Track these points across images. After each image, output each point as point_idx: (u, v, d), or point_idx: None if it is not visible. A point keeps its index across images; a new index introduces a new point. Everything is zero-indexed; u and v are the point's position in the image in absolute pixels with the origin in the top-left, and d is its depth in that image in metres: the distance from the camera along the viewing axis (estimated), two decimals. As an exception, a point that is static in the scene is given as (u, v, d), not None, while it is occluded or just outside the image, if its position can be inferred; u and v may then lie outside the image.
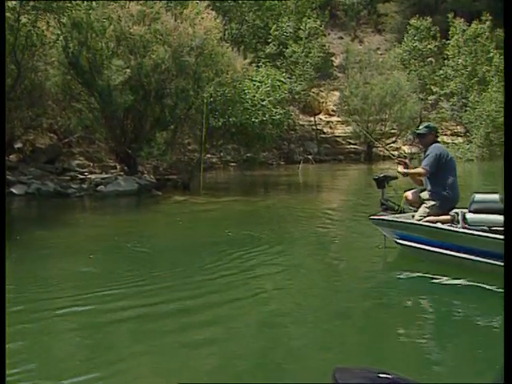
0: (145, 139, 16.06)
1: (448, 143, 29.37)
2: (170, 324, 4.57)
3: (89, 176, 16.09)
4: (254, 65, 19.30)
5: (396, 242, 6.88)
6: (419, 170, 6.67)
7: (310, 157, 27.77)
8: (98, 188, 14.89)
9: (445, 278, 5.74)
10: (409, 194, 6.94)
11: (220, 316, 4.85)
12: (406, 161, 7.18)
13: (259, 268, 6.48)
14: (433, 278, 5.77)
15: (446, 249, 6.12)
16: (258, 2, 28.71)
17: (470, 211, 6.12)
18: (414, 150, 30.69)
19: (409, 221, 6.59)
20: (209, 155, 19.82)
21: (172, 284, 5.73)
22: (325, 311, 5.08)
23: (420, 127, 7.00)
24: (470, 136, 28.70)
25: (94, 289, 5.52)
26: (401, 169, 6.76)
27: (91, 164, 17.78)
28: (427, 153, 6.65)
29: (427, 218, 6.47)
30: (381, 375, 1.70)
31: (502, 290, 5.18)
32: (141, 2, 15.88)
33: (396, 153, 30.35)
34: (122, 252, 7.64)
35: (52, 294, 5.45)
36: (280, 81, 18.48)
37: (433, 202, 6.57)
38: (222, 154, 21.07)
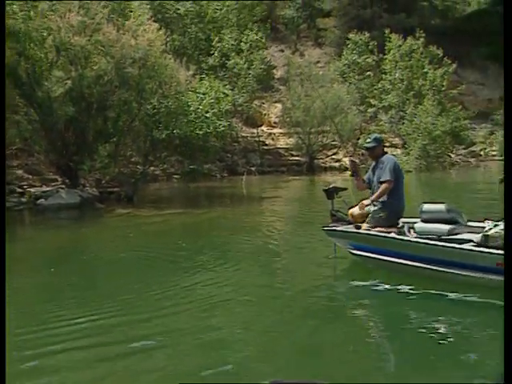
0: (87, 152, 15.88)
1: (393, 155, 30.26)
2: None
3: (28, 189, 15.73)
4: (197, 76, 19.40)
5: (351, 253, 7.10)
6: (384, 187, 6.77)
7: (253, 168, 27.99)
8: (39, 201, 14.60)
9: (395, 285, 6.01)
10: (354, 211, 7.15)
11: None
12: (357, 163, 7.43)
13: (205, 283, 6.50)
14: (385, 287, 6.04)
15: (400, 258, 6.38)
16: (199, 14, 28.90)
17: (421, 221, 6.45)
18: (356, 160, 31.47)
19: (364, 231, 6.79)
20: (152, 167, 19.73)
21: (123, 320, 5.29)
22: (270, 322, 5.21)
23: (368, 140, 7.16)
24: (408, 148, 29.64)
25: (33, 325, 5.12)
26: (366, 201, 6.89)
27: (31, 177, 17.37)
28: (383, 164, 6.85)
29: (376, 229, 6.72)
30: None
31: (454, 296, 5.52)
32: (81, 12, 15.72)
33: (337, 164, 31.06)
34: (77, 268, 7.55)
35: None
36: (223, 93, 18.64)
37: (381, 213, 6.82)
38: (165, 166, 20.97)
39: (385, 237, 6.55)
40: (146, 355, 4.36)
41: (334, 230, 7.15)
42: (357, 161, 7.49)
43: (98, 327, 4.98)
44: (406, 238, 6.44)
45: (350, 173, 7.34)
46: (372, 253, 6.72)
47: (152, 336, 4.69)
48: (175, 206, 15.83)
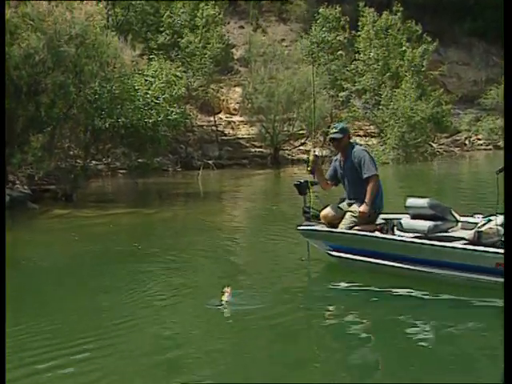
0: (16, 143, 15.55)
1: (361, 145, 30.53)
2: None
3: None
4: (145, 57, 19.24)
5: (329, 255, 7.13)
6: (374, 183, 6.80)
7: (210, 162, 27.91)
8: (-40, 202, 14.21)
9: (375, 288, 6.14)
10: (328, 213, 7.17)
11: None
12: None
13: (163, 297, 6.45)
14: (365, 289, 6.18)
15: (386, 259, 6.45)
16: (146, -16, 28.62)
17: (412, 217, 6.54)
18: (326, 152, 31.64)
19: (349, 231, 6.80)
20: (94, 161, 19.48)
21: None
22: (239, 333, 5.19)
23: (333, 130, 7.22)
24: (385, 137, 30.00)
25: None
26: (365, 209, 6.80)
27: (-51, 174, 16.92)
28: (358, 159, 6.91)
29: (357, 228, 6.76)
30: None
31: (434, 297, 5.61)
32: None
33: (305, 156, 31.23)
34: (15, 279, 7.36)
35: None
36: (176, 76, 18.52)
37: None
38: (109, 159, 20.73)
39: (372, 236, 6.61)
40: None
41: (312, 230, 7.15)
42: (319, 156, 7.48)
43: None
44: (395, 237, 6.51)
45: (308, 168, 7.27)
46: (355, 254, 6.76)
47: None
48: (122, 206, 15.70)
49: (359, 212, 6.82)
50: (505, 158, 3.32)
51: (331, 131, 7.30)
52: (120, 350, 4.89)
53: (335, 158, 7.38)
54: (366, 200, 6.81)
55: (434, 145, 33.02)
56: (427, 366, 4.36)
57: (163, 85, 17.77)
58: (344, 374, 4.42)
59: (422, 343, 4.85)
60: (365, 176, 6.85)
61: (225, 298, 5.75)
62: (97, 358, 4.67)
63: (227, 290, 5.81)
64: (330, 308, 6.02)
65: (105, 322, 5.65)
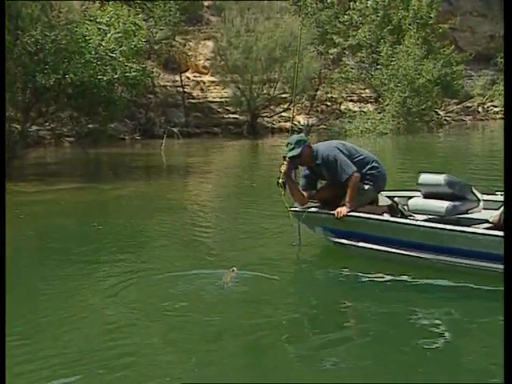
0: None
1: (355, 112, 30.64)
2: None
3: None
4: (97, 1, 19.00)
5: (329, 241, 7.17)
6: (353, 182, 6.80)
7: (175, 129, 27.90)
8: None
9: (377, 274, 6.28)
10: (324, 192, 7.19)
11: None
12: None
13: (129, 287, 6.40)
14: (364, 276, 6.30)
15: (399, 246, 6.50)
16: None
17: (424, 196, 6.58)
18: (312, 120, 31.75)
19: (355, 214, 6.75)
20: (35, 126, 19.30)
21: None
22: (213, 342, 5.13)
23: (289, 147, 7.04)
24: (383, 102, 30.08)
25: None
26: (345, 211, 6.76)
27: None
28: (329, 161, 6.89)
29: (366, 208, 6.76)
30: None
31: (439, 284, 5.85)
32: None
33: (288, 124, 31.23)
34: None
35: None
36: (135, 24, 18.34)
37: (366, 186, 6.92)
38: (54, 124, 20.54)
39: (383, 220, 6.64)
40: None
41: (310, 212, 7.11)
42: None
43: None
44: (413, 222, 6.53)
45: (280, 180, 7.15)
46: (361, 240, 6.79)
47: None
48: (71, 180, 15.67)
49: (337, 213, 6.83)
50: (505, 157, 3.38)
51: (289, 149, 7.03)
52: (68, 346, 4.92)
53: (303, 168, 7.33)
54: (347, 199, 6.83)
55: (441, 113, 33.25)
56: (438, 367, 4.42)
57: (120, 35, 17.54)
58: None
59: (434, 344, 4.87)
60: (345, 178, 6.83)
61: (228, 278, 6.00)
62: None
63: (231, 271, 6.09)
64: (326, 303, 6.02)
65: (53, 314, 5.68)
